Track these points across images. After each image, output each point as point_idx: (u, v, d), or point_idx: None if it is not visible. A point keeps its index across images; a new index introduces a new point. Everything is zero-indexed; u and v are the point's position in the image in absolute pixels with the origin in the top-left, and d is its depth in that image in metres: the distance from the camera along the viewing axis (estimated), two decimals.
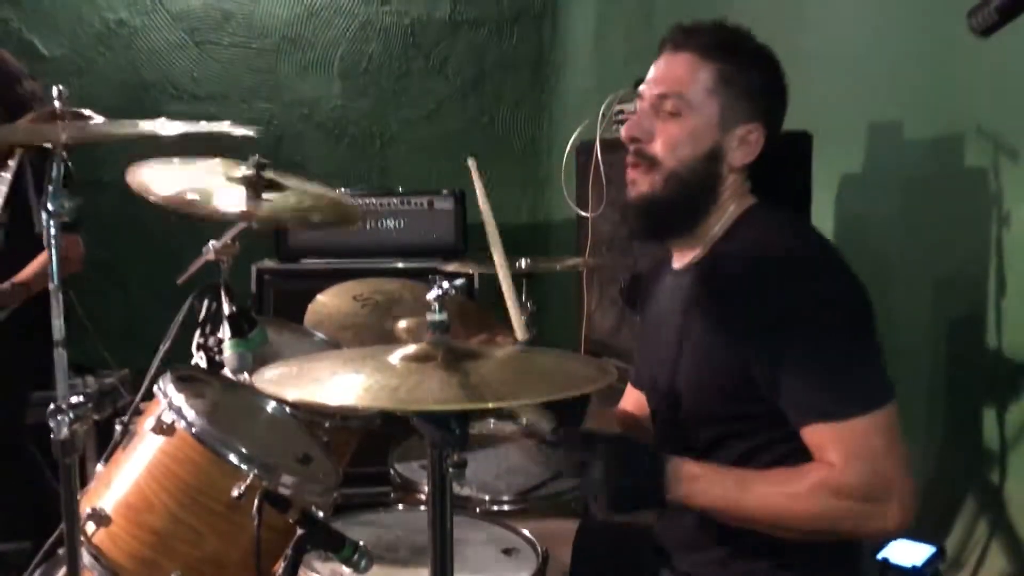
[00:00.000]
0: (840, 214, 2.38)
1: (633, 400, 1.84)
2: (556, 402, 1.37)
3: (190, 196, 1.85)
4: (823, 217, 2.33)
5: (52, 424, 1.54)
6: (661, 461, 1.40)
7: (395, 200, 3.98)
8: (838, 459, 1.36)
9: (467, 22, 4.64)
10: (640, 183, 1.58)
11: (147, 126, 1.65)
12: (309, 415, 2.01)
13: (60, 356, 1.56)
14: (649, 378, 1.70)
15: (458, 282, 1.32)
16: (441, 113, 4.66)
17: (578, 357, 1.52)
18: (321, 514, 1.69)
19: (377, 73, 4.61)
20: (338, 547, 1.51)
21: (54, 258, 1.55)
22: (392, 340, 2.22)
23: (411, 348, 1.28)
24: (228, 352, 1.93)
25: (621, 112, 2.85)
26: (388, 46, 4.61)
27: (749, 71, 1.56)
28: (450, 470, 1.23)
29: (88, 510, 1.67)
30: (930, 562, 1.75)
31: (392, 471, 2.31)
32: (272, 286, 3.81)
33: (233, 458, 1.66)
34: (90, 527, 1.67)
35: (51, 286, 1.55)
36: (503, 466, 2.32)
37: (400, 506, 2.11)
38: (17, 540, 3.15)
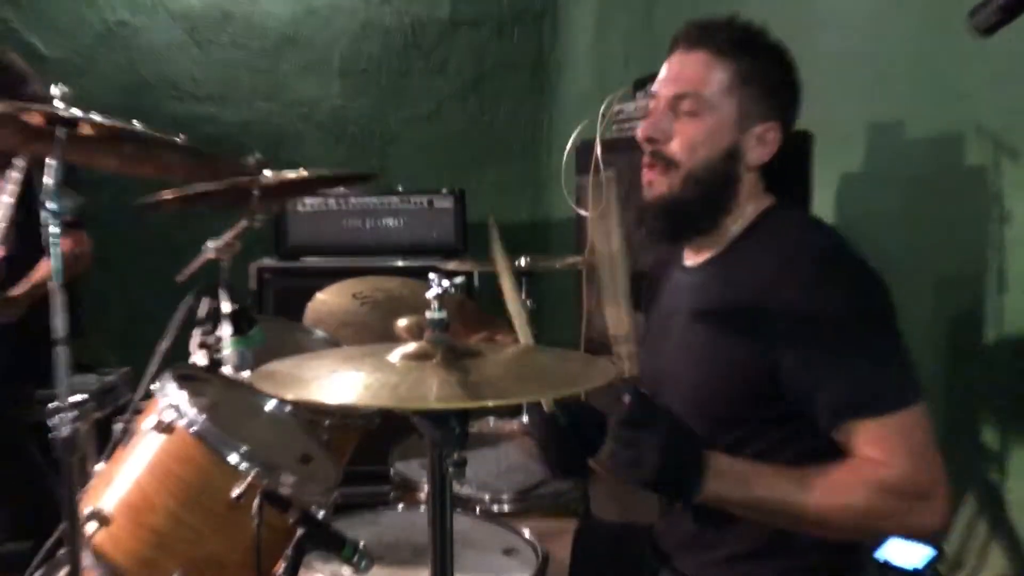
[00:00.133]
0: (840, 213, 2.38)
1: None
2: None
3: None
4: (823, 217, 2.33)
5: (53, 423, 1.54)
6: (705, 453, 1.37)
7: (395, 199, 3.99)
8: (883, 454, 1.34)
9: (467, 22, 4.64)
10: (658, 184, 1.57)
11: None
12: (309, 414, 2.01)
13: (61, 354, 1.56)
14: (655, 375, 1.69)
15: (458, 280, 1.31)
16: (441, 113, 4.66)
17: (578, 355, 1.51)
18: (321, 514, 1.69)
19: (377, 73, 4.62)
20: (338, 547, 1.52)
21: (55, 258, 1.55)
22: (392, 338, 2.23)
23: (411, 346, 1.28)
24: (228, 350, 1.93)
25: (621, 112, 2.85)
26: (388, 46, 4.61)
27: (766, 69, 1.55)
28: (450, 469, 1.22)
29: (89, 510, 1.67)
30: (930, 563, 1.74)
31: (392, 470, 2.31)
32: (272, 284, 3.81)
33: (233, 457, 1.66)
34: (91, 527, 1.67)
35: (51, 285, 1.55)
36: (503, 465, 2.33)
37: (400, 506, 2.11)
38: (18, 540, 3.15)
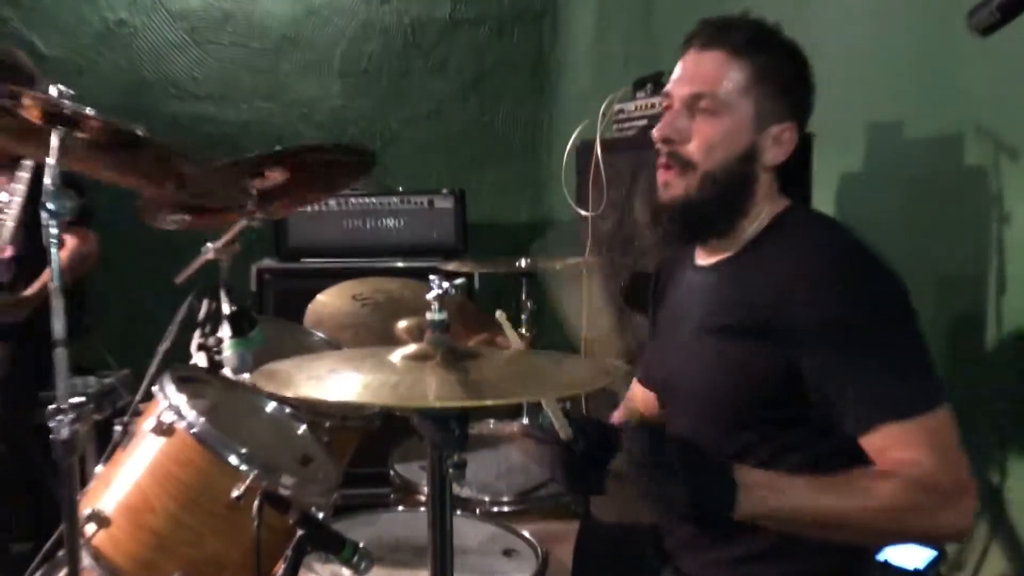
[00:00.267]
0: (840, 214, 2.38)
1: (639, 397, 1.83)
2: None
3: None
4: None
5: (52, 424, 1.54)
6: (731, 469, 1.34)
7: (395, 199, 3.99)
8: (913, 456, 1.33)
9: (467, 21, 4.64)
10: (674, 186, 1.54)
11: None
12: (309, 415, 2.01)
13: (61, 356, 1.56)
14: (663, 376, 1.68)
15: (458, 281, 1.31)
16: (441, 113, 4.66)
17: (577, 359, 1.51)
18: (321, 515, 1.69)
19: (377, 72, 4.61)
20: (338, 548, 1.52)
21: (55, 258, 1.55)
22: (393, 340, 2.23)
23: (411, 348, 1.28)
24: (228, 352, 1.93)
25: (621, 112, 2.85)
26: (388, 45, 4.61)
27: (781, 68, 1.53)
28: (450, 471, 1.22)
29: (88, 511, 1.67)
30: (931, 565, 1.74)
31: (392, 472, 2.31)
32: (272, 285, 3.81)
33: (233, 459, 1.65)
34: (90, 528, 1.67)
35: (52, 286, 1.55)
36: (503, 467, 2.32)
37: (400, 507, 2.11)
38: (20, 542, 3.15)
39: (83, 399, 1.55)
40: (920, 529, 1.39)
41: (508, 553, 1.80)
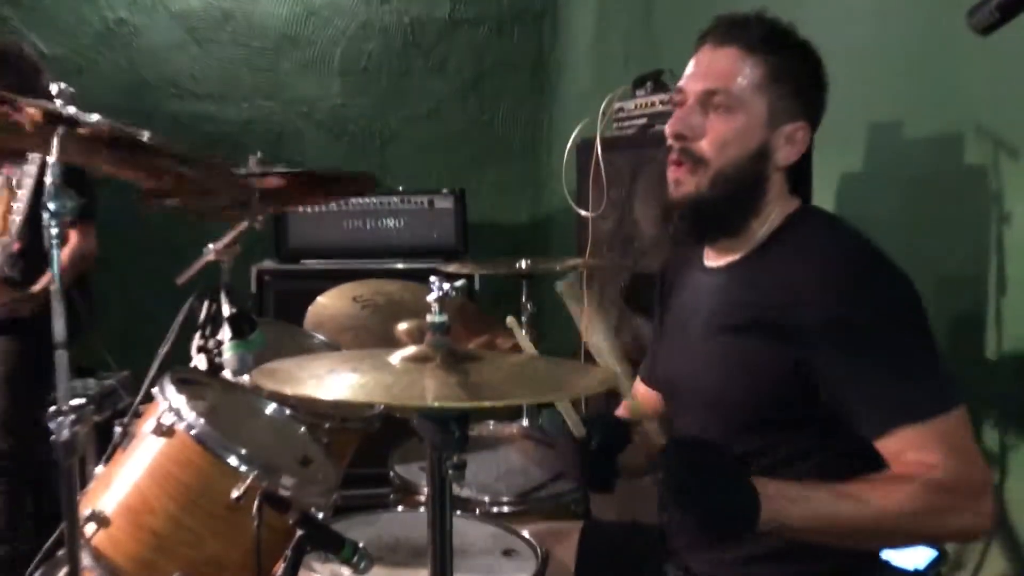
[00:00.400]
0: (840, 214, 2.37)
1: (641, 394, 1.82)
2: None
3: None
4: None
5: (53, 426, 1.54)
6: (750, 481, 1.33)
7: (395, 199, 3.99)
8: (931, 457, 1.33)
9: (467, 21, 4.64)
10: (685, 183, 1.53)
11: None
12: (309, 417, 2.01)
13: (61, 358, 1.56)
14: (670, 376, 1.68)
15: (458, 283, 1.31)
16: (441, 112, 4.66)
17: (576, 364, 1.50)
18: (321, 515, 1.69)
19: (377, 72, 4.62)
20: (338, 548, 1.52)
21: (56, 259, 1.54)
22: (393, 343, 2.23)
23: (411, 350, 1.27)
24: (228, 354, 1.93)
25: (621, 111, 2.85)
26: (388, 45, 4.61)
27: (796, 67, 1.52)
28: (450, 472, 1.22)
29: (88, 512, 1.67)
30: (932, 565, 1.74)
31: (392, 473, 2.31)
32: (272, 287, 3.82)
33: (233, 460, 1.65)
34: (90, 529, 1.67)
35: (52, 287, 1.55)
36: (503, 468, 2.33)
37: (400, 508, 2.11)
38: (18, 542, 3.15)
39: (83, 401, 1.55)
40: (940, 531, 1.39)
41: (508, 553, 1.79)
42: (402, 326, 2.33)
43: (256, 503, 1.55)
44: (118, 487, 1.72)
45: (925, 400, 1.36)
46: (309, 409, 2.01)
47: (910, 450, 1.35)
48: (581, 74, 4.33)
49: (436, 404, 1.15)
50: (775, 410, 1.47)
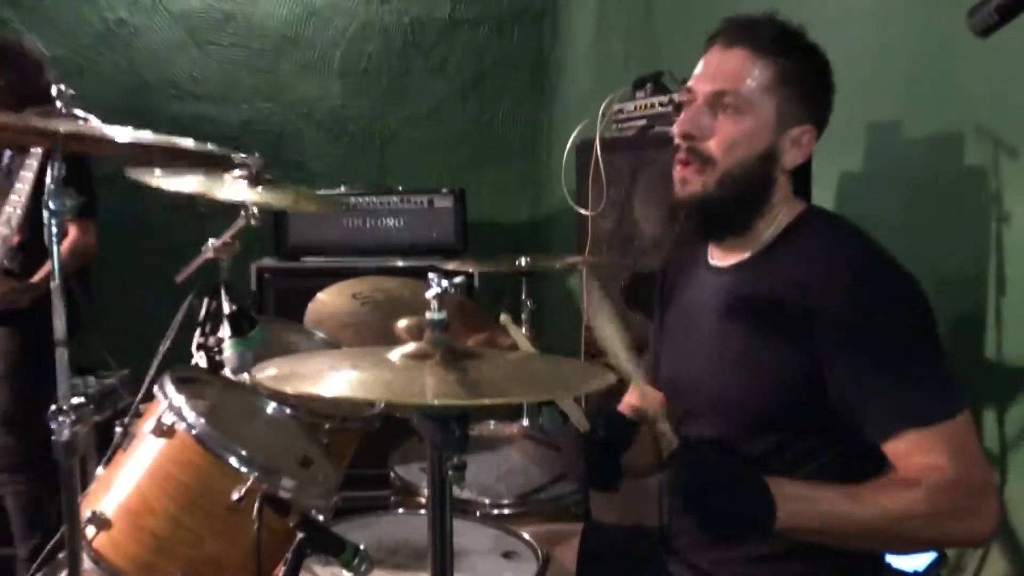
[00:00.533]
0: (840, 214, 2.37)
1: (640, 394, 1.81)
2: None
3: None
4: None
5: (53, 426, 1.54)
6: (765, 483, 1.34)
7: (395, 199, 3.99)
8: (936, 461, 1.34)
9: (467, 21, 4.64)
10: (692, 183, 1.53)
11: (146, 135, 1.63)
12: (309, 417, 2.01)
13: (61, 356, 1.55)
14: (675, 376, 1.67)
15: (458, 280, 1.31)
16: (441, 112, 4.66)
17: (576, 363, 1.50)
18: (321, 517, 1.69)
19: (377, 72, 4.61)
20: (338, 551, 1.51)
21: (55, 257, 1.54)
22: (393, 340, 2.22)
23: (410, 347, 1.27)
24: (228, 352, 1.93)
25: (621, 111, 2.85)
26: (388, 45, 4.61)
27: (805, 70, 1.52)
28: (450, 473, 1.22)
29: (88, 513, 1.67)
30: (932, 567, 1.74)
31: (392, 474, 2.31)
32: (272, 285, 3.82)
33: (233, 461, 1.65)
34: (90, 531, 1.67)
35: (52, 285, 1.55)
36: (503, 469, 2.32)
37: (400, 509, 2.11)
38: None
39: (83, 400, 1.55)
40: (947, 534, 1.39)
41: (508, 555, 1.79)
42: (402, 323, 2.33)
43: (256, 506, 1.55)
44: (118, 489, 1.72)
45: (932, 404, 1.37)
46: (309, 409, 2.00)
47: (916, 453, 1.35)
48: (581, 74, 4.32)
49: (436, 402, 1.15)
50: (784, 411, 1.47)
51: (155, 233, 4.11)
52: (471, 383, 1.16)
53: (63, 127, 1.53)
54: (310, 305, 2.55)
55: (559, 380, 1.33)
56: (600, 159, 2.79)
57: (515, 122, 4.72)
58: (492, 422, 2.60)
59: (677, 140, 1.55)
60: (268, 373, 1.23)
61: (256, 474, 1.62)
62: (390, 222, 3.98)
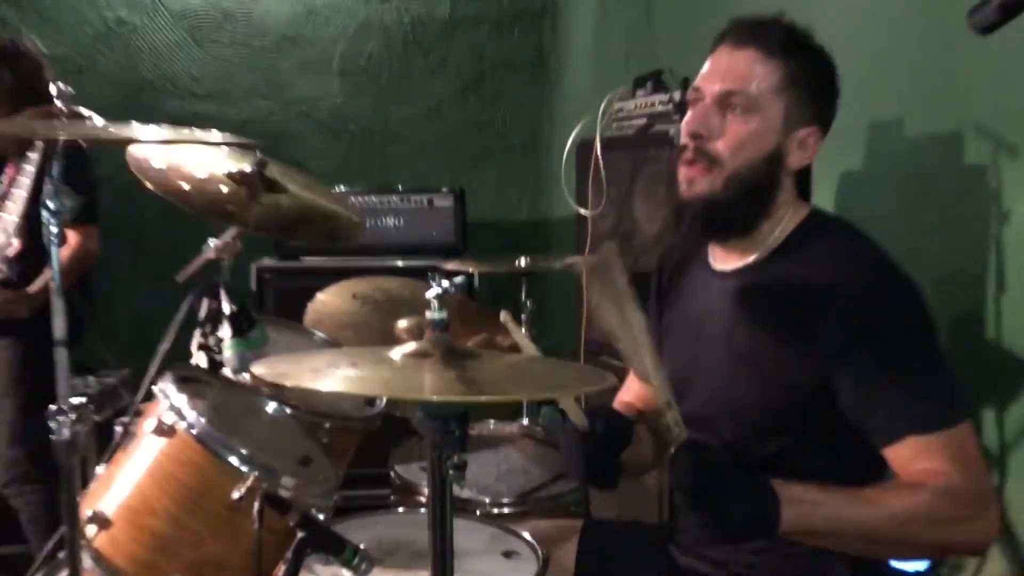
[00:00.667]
0: (840, 212, 2.38)
1: (635, 392, 1.82)
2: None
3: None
4: None
5: (53, 425, 1.54)
6: (770, 485, 1.34)
7: (395, 198, 3.99)
8: (939, 466, 1.34)
9: (467, 21, 4.64)
10: (698, 183, 1.53)
11: (144, 131, 1.63)
12: (309, 416, 2.01)
13: (61, 356, 1.56)
14: (676, 377, 1.66)
15: (457, 280, 1.31)
16: (441, 112, 4.66)
17: (576, 364, 1.51)
18: (321, 516, 1.69)
19: (377, 71, 4.61)
20: (338, 550, 1.51)
21: (55, 257, 1.54)
22: (393, 339, 2.22)
23: (410, 346, 1.27)
24: (228, 351, 1.93)
25: (621, 110, 2.85)
26: (388, 44, 4.60)
27: (812, 72, 1.53)
28: (450, 472, 1.22)
29: (89, 513, 1.67)
30: (932, 567, 1.74)
31: (392, 473, 2.31)
32: (272, 285, 3.82)
33: (234, 460, 1.65)
34: (91, 530, 1.67)
35: (52, 285, 1.55)
36: (503, 468, 2.32)
37: (400, 509, 2.11)
38: (18, 543, 3.15)
39: (84, 399, 1.55)
40: (950, 539, 1.39)
41: (508, 555, 1.79)
42: (402, 323, 2.33)
43: (257, 505, 1.55)
44: (119, 488, 1.72)
45: (936, 411, 1.37)
46: (309, 408, 2.00)
47: (918, 459, 1.36)
48: (581, 74, 4.32)
49: (435, 398, 1.15)
50: (792, 414, 1.47)
51: (155, 233, 4.10)
52: (471, 381, 1.16)
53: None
54: (310, 305, 2.55)
55: (559, 379, 1.33)
56: (600, 158, 2.79)
57: (515, 122, 4.72)
58: (492, 421, 2.59)
59: (685, 139, 1.54)
60: (268, 369, 1.23)
61: (256, 473, 1.62)
62: (390, 222, 3.98)
